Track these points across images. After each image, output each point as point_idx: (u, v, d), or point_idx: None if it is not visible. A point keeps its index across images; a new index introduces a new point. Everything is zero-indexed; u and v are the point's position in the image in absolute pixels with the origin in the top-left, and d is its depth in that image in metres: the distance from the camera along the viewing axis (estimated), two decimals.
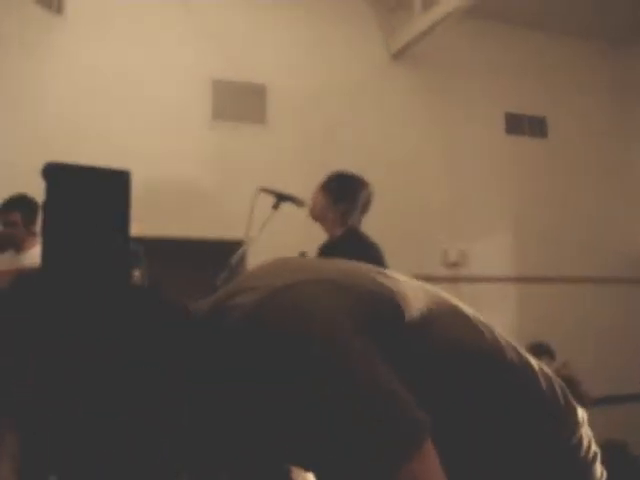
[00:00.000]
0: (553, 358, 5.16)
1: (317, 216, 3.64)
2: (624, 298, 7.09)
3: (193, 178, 5.85)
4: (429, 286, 1.22)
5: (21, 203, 4.35)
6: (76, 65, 5.65)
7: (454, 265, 6.53)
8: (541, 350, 5.01)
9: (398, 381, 0.97)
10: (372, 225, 3.72)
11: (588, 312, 6.86)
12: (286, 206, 3.62)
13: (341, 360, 0.95)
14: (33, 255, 4.11)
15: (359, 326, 1.00)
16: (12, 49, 5.46)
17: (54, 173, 3.08)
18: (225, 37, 6.16)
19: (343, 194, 3.60)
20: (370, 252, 3.40)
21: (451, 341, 1.13)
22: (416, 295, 1.14)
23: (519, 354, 1.21)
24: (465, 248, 6.49)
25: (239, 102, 6.11)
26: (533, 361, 1.23)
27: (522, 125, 7.26)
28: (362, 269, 1.18)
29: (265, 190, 3.58)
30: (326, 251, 3.56)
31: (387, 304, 1.07)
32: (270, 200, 3.56)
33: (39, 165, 3.48)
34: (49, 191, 3.17)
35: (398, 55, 6.67)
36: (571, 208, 7.17)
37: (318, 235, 3.68)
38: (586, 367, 5.16)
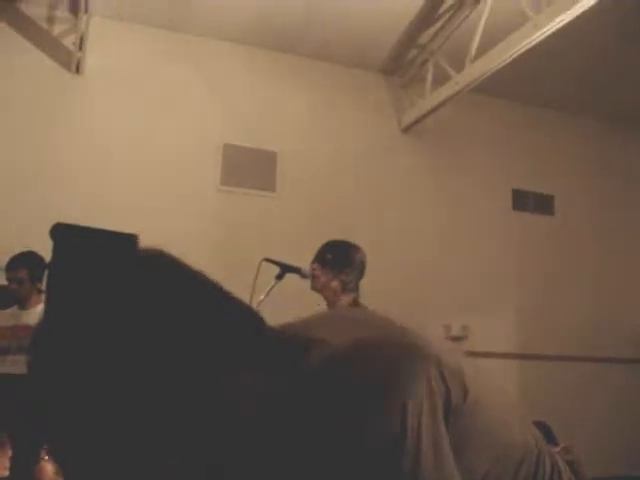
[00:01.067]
0: (553, 441, 5.07)
1: (319, 289, 3.63)
2: (626, 377, 7.01)
3: (200, 242, 5.86)
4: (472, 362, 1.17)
5: (28, 260, 4.36)
6: (91, 125, 5.74)
7: (457, 339, 6.48)
8: (541, 430, 4.92)
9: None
10: (377, 295, 3.70)
11: (589, 391, 6.77)
12: (290, 276, 3.62)
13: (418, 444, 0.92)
14: (36, 312, 4.11)
15: (440, 408, 0.97)
16: (30, 109, 5.56)
17: (62, 233, 3.10)
18: (239, 103, 6.28)
19: (340, 264, 3.60)
20: None
21: (488, 433, 1.09)
22: (473, 374, 1.10)
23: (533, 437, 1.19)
24: (468, 323, 6.45)
25: (249, 168, 6.17)
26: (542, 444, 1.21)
27: (528, 202, 7.30)
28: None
29: (269, 260, 3.58)
30: None
31: (459, 384, 1.03)
32: (274, 268, 3.56)
33: (49, 224, 3.48)
34: (56, 250, 3.17)
35: (408, 129, 6.77)
36: (575, 287, 7.15)
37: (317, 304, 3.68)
38: (585, 446, 5.05)
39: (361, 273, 3.66)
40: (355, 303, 3.59)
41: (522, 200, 7.26)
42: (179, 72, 6.12)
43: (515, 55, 5.32)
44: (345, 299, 3.59)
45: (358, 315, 1.23)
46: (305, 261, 3.68)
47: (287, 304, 3.41)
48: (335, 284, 3.59)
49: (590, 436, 6.14)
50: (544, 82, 6.88)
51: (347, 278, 3.59)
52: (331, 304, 3.64)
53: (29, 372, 0.94)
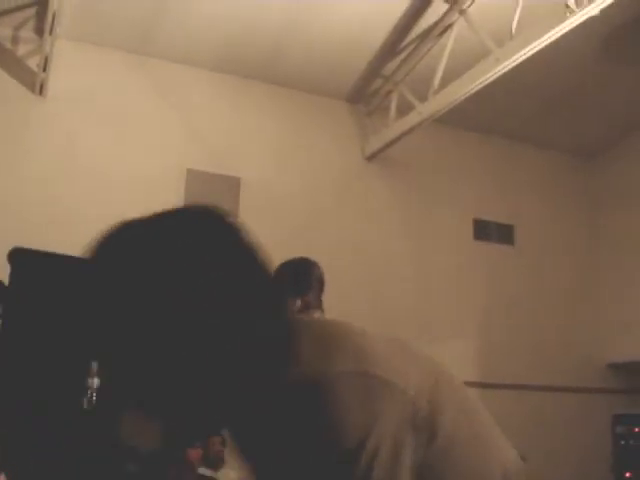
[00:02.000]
0: None
1: None
2: (589, 407, 7.07)
3: None
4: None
5: None
6: (54, 147, 5.69)
7: None
8: None
9: None
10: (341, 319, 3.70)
11: (550, 420, 6.82)
12: None
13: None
14: None
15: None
16: None
17: (19, 258, 3.06)
18: (203, 128, 6.28)
19: (299, 284, 3.60)
20: None
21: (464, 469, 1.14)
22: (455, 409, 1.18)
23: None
24: (429, 350, 6.47)
25: (212, 194, 6.15)
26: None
27: (490, 231, 7.38)
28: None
29: None
30: None
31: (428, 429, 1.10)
32: None
33: (8, 248, 3.43)
34: (13, 275, 3.13)
35: (372, 157, 6.82)
36: (536, 315, 7.22)
37: None
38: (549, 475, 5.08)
39: (321, 289, 3.64)
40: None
41: (483, 230, 7.34)
42: (144, 97, 6.11)
43: (477, 87, 5.42)
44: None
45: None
46: None
47: None
48: (298, 305, 3.58)
49: (553, 464, 6.19)
50: (507, 114, 7.01)
51: (308, 297, 3.59)
52: None
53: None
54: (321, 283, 3.68)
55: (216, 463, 5.49)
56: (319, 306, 3.64)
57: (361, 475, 0.99)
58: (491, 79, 5.31)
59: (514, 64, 5.09)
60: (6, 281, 3.71)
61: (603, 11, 4.55)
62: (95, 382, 3.53)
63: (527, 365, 6.92)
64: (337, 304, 3.76)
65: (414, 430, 1.05)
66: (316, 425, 1.01)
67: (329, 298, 3.70)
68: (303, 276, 3.64)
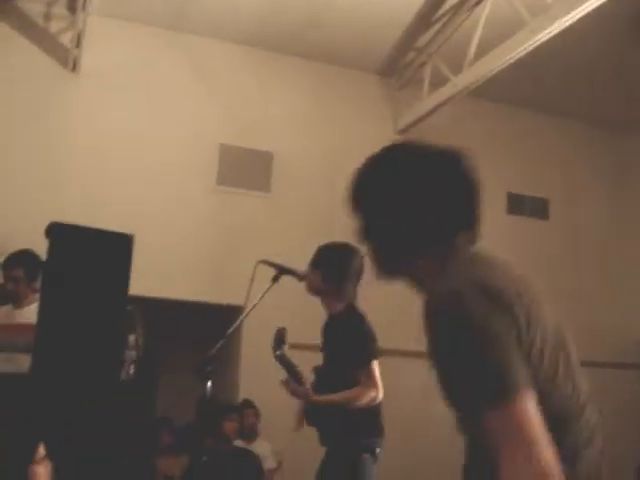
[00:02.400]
0: None
1: (314, 294, 3.63)
2: (624, 383, 7.01)
3: (195, 241, 5.86)
4: None
5: (24, 259, 4.35)
6: (88, 124, 5.74)
7: None
8: None
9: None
10: (372, 298, 3.70)
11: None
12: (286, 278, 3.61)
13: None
14: (30, 311, 4.09)
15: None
16: (27, 105, 5.55)
17: (58, 232, 3.10)
18: (236, 103, 6.27)
19: (335, 270, 3.57)
20: (367, 328, 3.49)
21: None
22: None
23: None
24: None
25: (245, 168, 6.17)
26: None
27: (524, 206, 7.31)
28: None
29: (265, 262, 3.56)
30: (328, 329, 3.64)
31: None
32: (270, 270, 3.55)
33: (45, 223, 3.48)
34: (51, 250, 3.17)
35: (404, 131, 6.77)
36: (568, 291, 7.16)
37: (315, 306, 3.68)
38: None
39: (358, 278, 3.62)
40: (350, 308, 3.59)
41: (517, 204, 7.27)
42: (176, 71, 6.12)
43: (512, 59, 5.34)
44: (340, 305, 3.58)
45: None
46: (299, 262, 3.68)
47: (283, 307, 3.43)
48: (330, 290, 3.58)
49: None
50: (541, 86, 6.90)
51: (343, 285, 3.59)
52: (326, 308, 3.63)
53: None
54: (358, 272, 3.63)
55: (250, 436, 5.57)
56: (352, 295, 3.63)
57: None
58: (526, 51, 5.22)
59: (549, 35, 4.99)
60: (43, 256, 3.77)
61: None
62: (133, 354, 3.58)
63: None
64: (371, 278, 3.76)
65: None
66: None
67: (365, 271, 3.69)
68: (340, 263, 3.62)
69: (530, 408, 1.25)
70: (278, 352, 3.38)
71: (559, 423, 1.37)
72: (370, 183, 1.72)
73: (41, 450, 3.31)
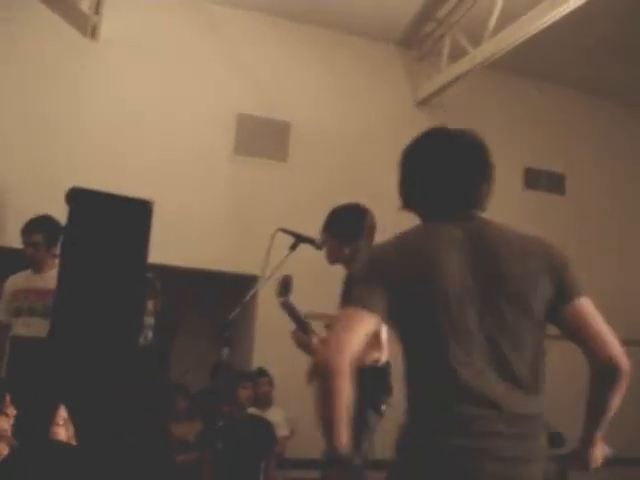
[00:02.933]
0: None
1: (333, 261, 3.66)
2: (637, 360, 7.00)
3: (213, 210, 5.89)
4: None
5: (44, 224, 4.38)
6: (106, 91, 5.75)
7: None
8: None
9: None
10: None
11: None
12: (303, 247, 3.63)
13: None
14: (50, 277, 4.14)
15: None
16: (46, 72, 5.57)
17: (77, 198, 3.13)
18: (254, 72, 6.26)
19: (348, 231, 3.61)
20: None
21: None
22: None
23: None
24: None
25: (263, 138, 6.17)
26: None
27: (540, 181, 7.28)
28: None
29: (283, 230, 3.59)
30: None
31: None
32: (287, 239, 3.57)
33: (64, 187, 3.51)
34: (71, 215, 3.20)
35: (423, 103, 6.74)
36: (583, 266, 7.13)
37: (332, 276, 3.71)
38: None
39: (371, 236, 3.66)
40: None
41: (534, 179, 7.24)
42: (195, 40, 6.10)
43: (533, 32, 5.28)
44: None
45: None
46: (315, 232, 3.71)
47: (300, 276, 3.45)
48: (346, 251, 3.61)
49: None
50: (560, 60, 6.82)
51: (358, 244, 3.62)
52: (346, 269, 3.66)
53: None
54: (372, 230, 3.69)
55: (264, 403, 5.63)
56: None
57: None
58: (547, 24, 5.16)
59: (571, 8, 4.94)
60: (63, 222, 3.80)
61: None
62: (151, 320, 3.63)
63: None
64: None
65: None
66: None
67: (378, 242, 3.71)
68: (354, 222, 3.66)
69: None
70: (282, 299, 3.38)
71: (424, 369, 1.77)
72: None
73: (62, 412, 3.37)
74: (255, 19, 6.32)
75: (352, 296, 1.78)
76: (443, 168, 2.01)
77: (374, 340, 3.44)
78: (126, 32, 5.83)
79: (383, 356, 3.46)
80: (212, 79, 6.12)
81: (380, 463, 3.65)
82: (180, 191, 5.72)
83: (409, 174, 2.06)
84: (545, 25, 5.19)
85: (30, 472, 2.69)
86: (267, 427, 5.25)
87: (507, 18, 5.45)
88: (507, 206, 6.97)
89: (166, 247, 4.65)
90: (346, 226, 3.64)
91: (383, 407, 3.52)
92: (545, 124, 7.33)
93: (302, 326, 3.48)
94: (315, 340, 3.48)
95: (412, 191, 2.04)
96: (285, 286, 3.39)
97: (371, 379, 3.52)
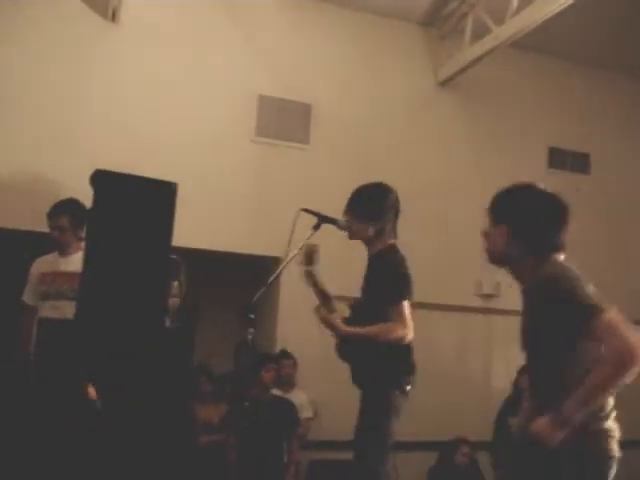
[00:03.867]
0: None
1: (356, 238, 3.66)
2: None
3: (233, 192, 5.89)
4: None
5: (69, 207, 4.41)
6: (127, 74, 5.74)
7: (488, 297, 6.49)
8: None
9: None
10: (410, 246, 3.72)
11: None
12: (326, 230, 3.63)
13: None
14: (76, 259, 4.17)
15: None
16: (67, 55, 5.57)
17: (102, 180, 3.13)
18: (274, 54, 6.22)
19: (371, 211, 3.62)
20: (404, 269, 3.58)
21: None
22: None
23: None
24: (500, 280, 6.42)
25: (284, 120, 6.15)
26: None
27: (565, 160, 7.20)
28: None
29: (307, 210, 3.59)
30: (368, 267, 3.69)
31: None
32: (306, 220, 3.56)
33: (86, 170, 3.50)
34: (96, 198, 3.21)
35: (445, 83, 6.68)
36: (608, 247, 7.07)
37: (354, 253, 3.72)
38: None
39: (395, 215, 3.68)
40: (392, 249, 3.62)
41: (558, 158, 7.16)
42: (215, 22, 6.07)
43: (556, 11, 5.21)
44: (380, 245, 3.62)
45: None
46: (337, 214, 3.70)
47: (323, 257, 3.44)
48: (370, 231, 3.61)
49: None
50: (587, 40, 6.73)
51: (381, 224, 3.61)
52: (370, 250, 3.67)
53: None
54: (396, 210, 3.69)
55: (287, 385, 5.66)
56: (392, 232, 3.66)
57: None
58: (568, 3, 5.09)
59: None
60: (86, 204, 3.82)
61: None
62: (176, 302, 3.64)
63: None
64: (406, 231, 3.77)
65: None
66: None
67: (400, 224, 3.71)
68: (378, 202, 3.65)
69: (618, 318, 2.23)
70: (306, 268, 3.36)
71: None
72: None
73: (92, 391, 3.40)
74: (274, 0, 6.27)
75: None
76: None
77: (399, 316, 3.44)
78: (146, 15, 5.81)
79: (408, 333, 3.46)
80: (233, 61, 6.09)
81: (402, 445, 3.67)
82: (202, 173, 5.71)
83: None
84: (567, 4, 5.11)
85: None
86: (290, 409, 5.28)
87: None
88: None
89: (187, 230, 4.65)
90: (369, 206, 3.64)
91: (408, 387, 3.52)
92: (569, 103, 7.24)
93: (325, 300, 3.47)
94: (338, 319, 3.48)
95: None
96: (310, 256, 3.37)
97: (394, 358, 3.52)
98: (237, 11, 6.14)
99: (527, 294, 2.60)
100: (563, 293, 2.31)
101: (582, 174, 7.24)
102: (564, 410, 2.20)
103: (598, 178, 7.26)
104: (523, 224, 2.64)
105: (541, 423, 2.26)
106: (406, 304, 3.47)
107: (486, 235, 2.83)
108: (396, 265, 3.56)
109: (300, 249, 3.37)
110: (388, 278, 3.49)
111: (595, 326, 2.19)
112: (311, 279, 3.40)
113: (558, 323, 2.30)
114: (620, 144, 7.40)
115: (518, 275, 2.67)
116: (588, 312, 2.20)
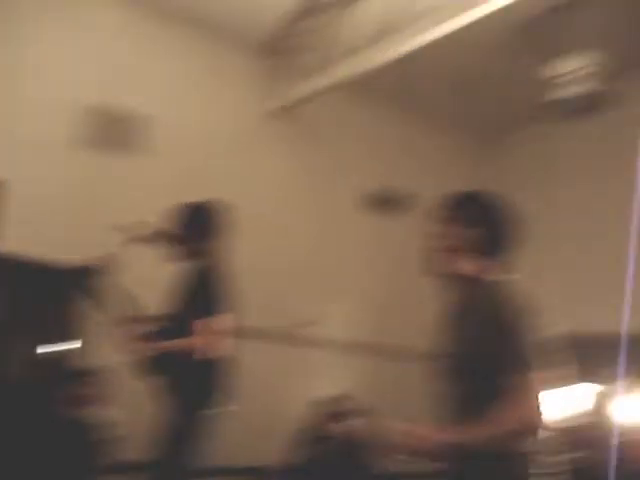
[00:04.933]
0: None
1: (185, 257, 3.70)
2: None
3: (57, 203, 5.52)
4: None
5: None
6: None
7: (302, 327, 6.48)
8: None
9: None
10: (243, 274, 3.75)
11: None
12: None
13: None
14: None
15: None
16: None
17: None
18: (109, 65, 5.96)
19: (196, 229, 3.71)
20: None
21: None
22: None
23: None
24: (315, 310, 6.50)
25: (117, 132, 5.93)
26: None
27: (382, 202, 7.34)
28: None
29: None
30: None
31: None
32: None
33: None
34: None
35: (273, 114, 6.73)
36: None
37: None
38: None
39: (221, 235, 3.77)
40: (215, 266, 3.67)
41: (372, 201, 7.27)
42: (51, 30, 5.75)
43: (391, 58, 5.49)
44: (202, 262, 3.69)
45: None
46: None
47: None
48: (199, 249, 3.65)
49: None
50: (418, 88, 7.07)
51: (208, 241, 3.69)
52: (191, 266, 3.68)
53: None
54: (221, 229, 3.74)
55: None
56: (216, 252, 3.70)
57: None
58: (404, 52, 5.38)
59: (430, 38, 5.21)
60: None
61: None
62: None
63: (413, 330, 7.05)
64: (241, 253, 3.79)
65: None
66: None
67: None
68: (200, 223, 3.68)
69: None
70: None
71: None
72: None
73: None
74: (115, 10, 6.04)
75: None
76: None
77: (215, 331, 3.45)
78: None
79: (223, 349, 3.47)
80: (67, 70, 5.72)
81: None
82: (30, 184, 5.33)
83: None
84: (396, 55, 5.42)
85: None
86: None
87: (366, 41, 5.62)
88: (345, 230, 7.03)
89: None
90: (194, 224, 3.66)
91: (219, 409, 3.49)
92: (396, 147, 7.58)
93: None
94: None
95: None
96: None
97: (210, 375, 3.49)
98: (78, 18, 5.87)
99: (463, 309, 2.35)
100: (505, 324, 2.13)
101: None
102: (457, 436, 2.07)
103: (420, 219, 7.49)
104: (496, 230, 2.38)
105: (429, 430, 2.14)
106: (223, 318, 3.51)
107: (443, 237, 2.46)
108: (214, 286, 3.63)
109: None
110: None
111: (517, 381, 2.04)
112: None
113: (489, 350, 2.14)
114: (439, 188, 7.72)
115: (453, 286, 2.38)
116: (517, 365, 2.07)
